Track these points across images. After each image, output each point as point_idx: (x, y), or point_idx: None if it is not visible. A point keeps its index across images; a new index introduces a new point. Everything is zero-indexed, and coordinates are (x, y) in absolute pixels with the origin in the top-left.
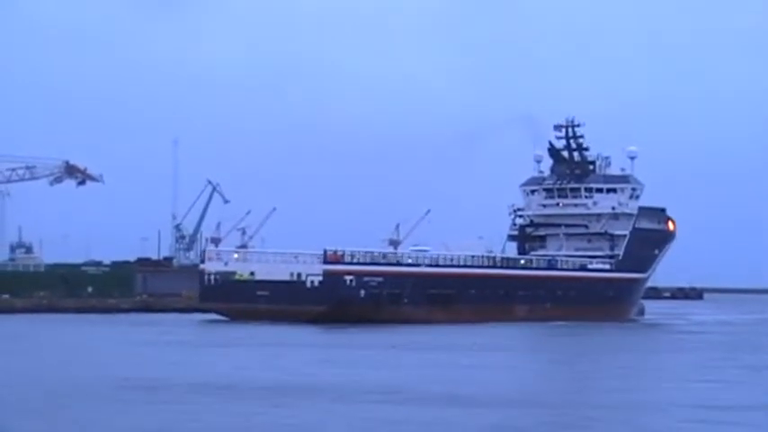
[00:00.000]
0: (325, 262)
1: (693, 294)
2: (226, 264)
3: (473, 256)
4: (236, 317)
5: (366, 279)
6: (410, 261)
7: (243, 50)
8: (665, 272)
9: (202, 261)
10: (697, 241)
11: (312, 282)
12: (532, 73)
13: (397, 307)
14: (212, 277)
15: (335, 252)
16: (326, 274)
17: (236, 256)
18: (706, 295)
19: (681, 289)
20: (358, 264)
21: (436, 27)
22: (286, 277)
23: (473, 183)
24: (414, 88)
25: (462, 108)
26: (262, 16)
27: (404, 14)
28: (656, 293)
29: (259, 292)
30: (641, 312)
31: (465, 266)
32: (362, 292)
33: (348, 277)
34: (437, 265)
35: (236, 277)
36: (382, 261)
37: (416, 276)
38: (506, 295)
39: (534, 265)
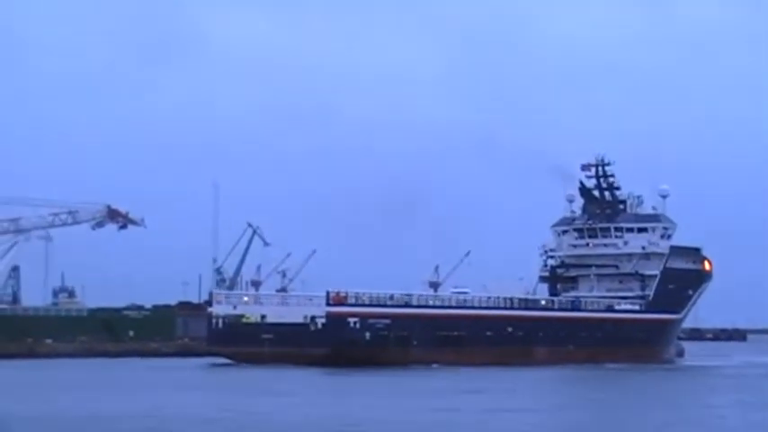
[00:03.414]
0: (328, 304)
1: (737, 336)
2: (234, 307)
3: (489, 298)
4: (242, 360)
5: (371, 321)
6: (418, 302)
7: (272, 94)
8: (707, 313)
9: (209, 304)
10: (740, 282)
11: (317, 324)
12: (548, 117)
13: (406, 349)
14: (219, 321)
15: (338, 294)
16: (329, 316)
17: (245, 299)
18: (750, 336)
19: (724, 330)
20: (363, 305)
21: (446, 76)
22: (299, 320)
23: (513, 223)
24: (437, 134)
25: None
26: (282, 60)
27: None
28: (698, 335)
29: (264, 336)
30: (680, 354)
31: (480, 308)
32: (368, 335)
33: (352, 319)
34: (449, 307)
35: (244, 320)
36: (389, 303)
37: (426, 318)
38: (525, 337)
39: (557, 306)
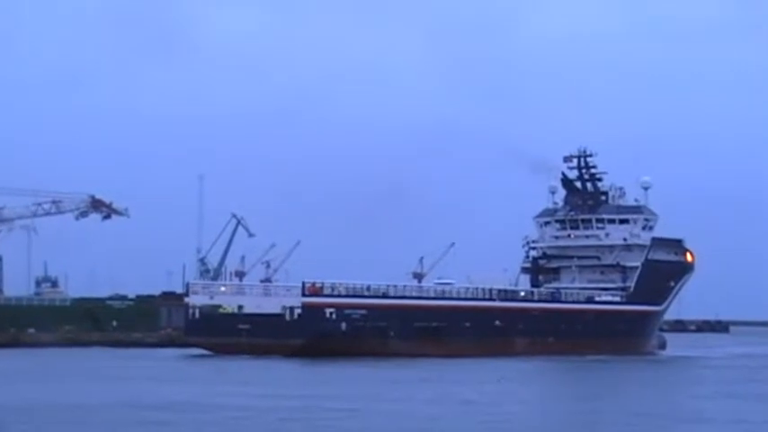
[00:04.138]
0: (304, 294)
1: (719, 327)
2: (211, 297)
3: (467, 289)
4: (219, 351)
5: (348, 312)
6: (396, 293)
7: (259, 88)
8: (690, 304)
9: (186, 294)
10: (722, 273)
11: (293, 315)
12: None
13: (383, 340)
14: (196, 311)
15: (314, 284)
16: (305, 306)
17: (223, 289)
18: (732, 328)
19: (707, 322)
20: (339, 296)
21: (430, 70)
22: (277, 310)
23: (498, 215)
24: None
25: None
26: (270, 55)
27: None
28: (681, 326)
29: (240, 326)
30: (662, 346)
31: (458, 299)
32: (344, 325)
33: (328, 310)
34: (426, 298)
35: (221, 311)
36: (366, 293)
37: (404, 309)
38: (504, 329)
39: (536, 297)
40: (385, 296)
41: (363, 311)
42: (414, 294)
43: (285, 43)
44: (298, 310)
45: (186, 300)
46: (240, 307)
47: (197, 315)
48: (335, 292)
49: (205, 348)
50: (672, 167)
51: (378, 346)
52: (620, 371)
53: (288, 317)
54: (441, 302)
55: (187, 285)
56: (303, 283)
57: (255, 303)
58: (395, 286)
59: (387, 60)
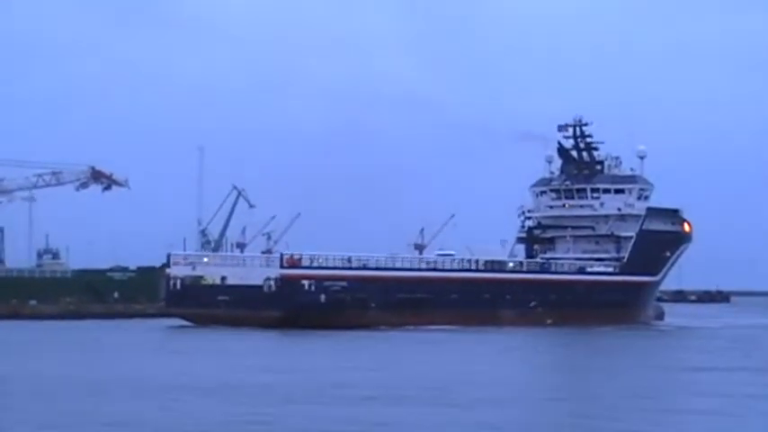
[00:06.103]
0: (282, 266)
1: (719, 298)
2: (194, 268)
3: (453, 260)
4: (199, 322)
5: (327, 284)
6: (377, 265)
7: (249, 59)
8: (690, 275)
9: (168, 265)
10: (723, 243)
11: (270, 286)
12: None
13: (363, 312)
14: (177, 282)
15: (292, 256)
16: (283, 278)
17: (205, 260)
18: (733, 298)
19: (707, 292)
20: (317, 268)
21: (415, 44)
22: (259, 282)
23: (497, 186)
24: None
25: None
26: (260, 28)
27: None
28: (681, 297)
29: (220, 297)
30: (660, 317)
31: (443, 270)
32: (323, 297)
33: (306, 282)
34: (408, 269)
35: (203, 282)
36: (345, 265)
37: (384, 281)
38: (491, 300)
39: (525, 268)
40: (366, 268)
41: (344, 283)
42: (395, 266)
43: (268, 15)
44: (278, 283)
45: (167, 271)
46: (223, 278)
47: (178, 286)
48: (314, 264)
49: (184, 319)
50: (670, 138)
51: (357, 317)
52: (602, 343)
53: (266, 289)
54: (423, 274)
55: (168, 256)
56: (281, 255)
57: (239, 275)
58: (375, 258)
59: (371, 34)
